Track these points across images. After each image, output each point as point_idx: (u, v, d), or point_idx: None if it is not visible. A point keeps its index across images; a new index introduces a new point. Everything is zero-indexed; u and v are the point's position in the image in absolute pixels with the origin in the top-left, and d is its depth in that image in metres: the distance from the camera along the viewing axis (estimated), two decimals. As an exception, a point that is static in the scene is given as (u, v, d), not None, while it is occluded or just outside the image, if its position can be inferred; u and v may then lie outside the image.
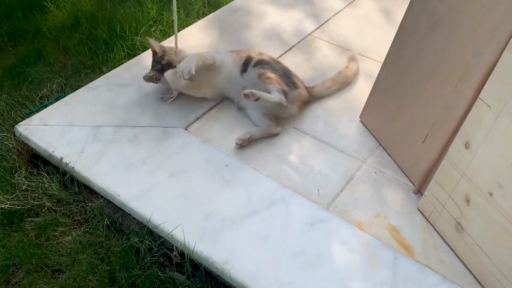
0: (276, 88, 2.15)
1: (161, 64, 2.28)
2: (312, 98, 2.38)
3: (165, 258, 1.83)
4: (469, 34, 1.73)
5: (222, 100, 2.37)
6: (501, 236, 1.59)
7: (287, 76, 2.27)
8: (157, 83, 2.35)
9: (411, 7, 1.99)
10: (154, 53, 2.33)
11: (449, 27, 1.82)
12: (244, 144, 2.13)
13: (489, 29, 1.64)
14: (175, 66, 2.24)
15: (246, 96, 2.09)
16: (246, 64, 2.29)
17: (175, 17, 2.28)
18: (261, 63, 2.26)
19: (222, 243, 1.77)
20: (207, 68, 2.23)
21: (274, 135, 2.21)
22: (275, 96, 2.13)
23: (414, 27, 1.98)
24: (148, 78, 2.34)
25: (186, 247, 1.75)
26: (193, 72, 2.10)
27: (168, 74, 2.22)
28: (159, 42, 2.77)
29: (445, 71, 1.84)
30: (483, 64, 1.65)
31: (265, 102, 2.14)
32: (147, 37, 2.28)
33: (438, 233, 1.84)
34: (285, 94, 2.17)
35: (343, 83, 2.47)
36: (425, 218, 1.90)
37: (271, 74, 2.21)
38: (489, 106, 1.59)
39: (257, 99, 2.09)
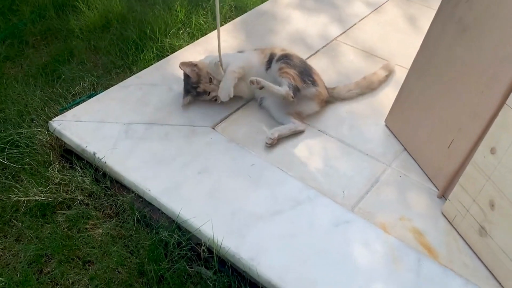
0: (288, 82, 2.23)
1: (197, 91, 2.33)
2: (332, 98, 2.42)
3: (193, 253, 1.88)
4: (497, 42, 1.76)
5: (248, 101, 2.42)
6: (525, 240, 1.61)
7: (307, 73, 2.33)
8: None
9: (438, 15, 2.02)
10: (187, 77, 2.34)
11: (476, 35, 1.85)
12: (274, 143, 2.19)
13: (517, 37, 1.67)
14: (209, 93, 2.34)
15: (251, 82, 2.19)
16: (270, 61, 2.37)
17: (218, 30, 2.30)
18: (283, 58, 2.34)
19: (249, 240, 1.82)
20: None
21: (300, 133, 2.26)
22: (282, 89, 2.20)
23: (441, 34, 2.01)
24: (187, 103, 2.38)
25: (214, 243, 1.80)
26: (232, 95, 2.25)
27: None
28: (187, 44, 2.85)
29: (472, 78, 1.86)
30: (510, 71, 1.68)
31: (277, 98, 2.24)
32: (180, 64, 2.30)
33: (462, 236, 1.87)
34: (296, 90, 2.23)
35: (367, 88, 2.49)
36: (449, 222, 1.92)
37: (289, 70, 2.28)
38: (516, 112, 1.62)
39: (261, 87, 2.19)
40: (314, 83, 2.31)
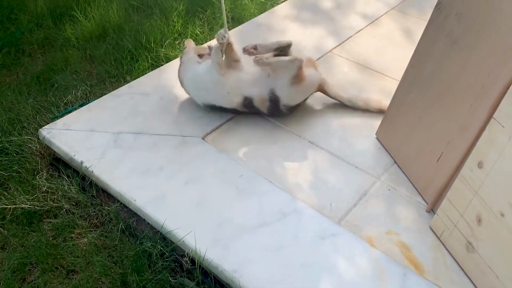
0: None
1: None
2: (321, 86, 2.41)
3: (176, 264, 1.86)
4: (485, 55, 1.75)
5: (239, 112, 2.41)
6: (511, 256, 1.58)
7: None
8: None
9: (428, 28, 2.02)
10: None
11: (465, 48, 1.84)
12: (260, 60, 2.22)
13: (505, 51, 1.66)
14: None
15: (256, 62, 2.22)
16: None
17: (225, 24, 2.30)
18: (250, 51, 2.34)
19: (233, 252, 1.80)
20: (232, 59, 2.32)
21: (298, 63, 2.23)
22: (286, 57, 2.23)
23: (431, 47, 2.00)
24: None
25: (197, 254, 1.78)
26: (227, 35, 2.22)
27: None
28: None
29: (461, 91, 1.85)
30: (498, 85, 1.66)
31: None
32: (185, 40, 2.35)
33: (449, 252, 1.84)
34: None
35: (360, 105, 2.45)
36: (437, 236, 1.90)
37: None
38: (503, 126, 1.60)
39: (268, 63, 2.21)
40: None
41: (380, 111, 2.37)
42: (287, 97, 2.26)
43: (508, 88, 1.59)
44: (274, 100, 2.26)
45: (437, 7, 1.98)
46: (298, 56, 2.23)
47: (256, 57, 2.22)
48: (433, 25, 1.99)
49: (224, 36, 2.20)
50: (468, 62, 1.82)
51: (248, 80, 2.27)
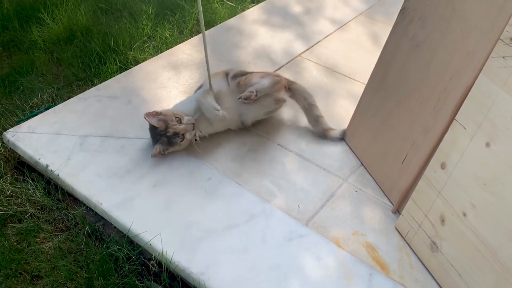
0: (260, 76, 2.24)
1: (167, 136, 2.09)
2: (293, 88, 2.40)
3: (143, 267, 1.85)
4: (447, 59, 1.79)
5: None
6: (473, 256, 1.61)
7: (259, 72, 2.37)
8: (166, 153, 2.16)
9: (393, 32, 2.06)
10: (154, 128, 2.11)
11: (429, 51, 1.88)
12: (252, 96, 2.16)
13: (466, 54, 1.70)
14: (182, 135, 2.11)
15: (243, 98, 2.15)
16: (227, 76, 2.35)
17: (206, 58, 2.18)
18: (238, 74, 2.34)
19: (200, 254, 1.79)
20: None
21: (282, 103, 2.30)
22: (264, 81, 2.21)
23: (396, 51, 2.04)
24: (157, 155, 2.13)
25: (164, 257, 1.77)
26: (219, 108, 2.13)
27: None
28: (151, 56, 2.84)
29: (425, 93, 1.89)
30: (459, 87, 1.70)
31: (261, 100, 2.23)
32: (144, 115, 2.08)
33: (414, 252, 1.87)
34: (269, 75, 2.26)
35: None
36: (402, 237, 1.93)
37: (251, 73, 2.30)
38: (464, 128, 1.64)
39: (256, 96, 2.17)
40: (268, 74, 2.35)
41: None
42: (254, 118, 2.34)
43: (469, 90, 1.63)
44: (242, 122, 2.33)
45: (402, 12, 2.02)
46: (284, 98, 2.25)
47: (248, 98, 2.17)
48: (398, 29, 2.03)
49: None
50: (431, 65, 1.87)
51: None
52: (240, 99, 2.16)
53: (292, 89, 2.38)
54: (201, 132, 2.20)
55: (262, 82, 2.21)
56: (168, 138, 2.09)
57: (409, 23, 1.97)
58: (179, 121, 2.11)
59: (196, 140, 2.18)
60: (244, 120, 2.31)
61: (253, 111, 2.27)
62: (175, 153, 2.18)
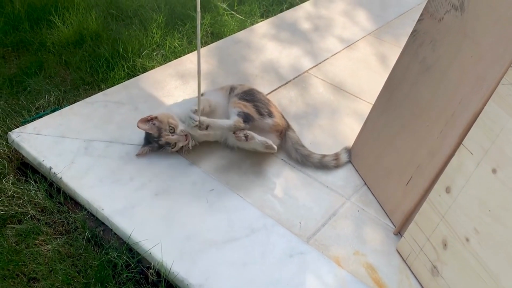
0: (237, 111, 2.16)
1: (159, 144, 2.16)
2: (290, 130, 2.36)
3: (142, 276, 1.83)
4: (457, 83, 1.79)
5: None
6: (474, 282, 1.60)
7: (264, 106, 2.27)
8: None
9: (403, 54, 2.07)
10: (149, 134, 2.17)
11: (438, 75, 1.89)
12: (239, 135, 2.09)
13: (476, 79, 1.71)
14: (174, 144, 2.16)
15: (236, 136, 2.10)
16: (230, 94, 2.34)
17: (198, 75, 2.01)
18: (242, 94, 2.29)
19: (200, 266, 1.78)
20: (212, 112, 2.22)
21: (271, 150, 2.20)
22: (229, 121, 2.14)
23: (405, 73, 2.05)
24: (141, 155, 2.20)
25: (163, 266, 1.76)
26: (197, 118, 2.07)
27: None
28: (159, 65, 2.86)
29: (432, 117, 1.89)
30: (468, 112, 1.71)
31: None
32: (138, 123, 2.12)
33: (414, 275, 1.86)
34: (249, 118, 2.16)
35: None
36: (403, 259, 1.92)
37: (242, 101, 2.23)
38: (471, 153, 1.63)
39: (207, 127, 2.09)
40: (270, 114, 2.26)
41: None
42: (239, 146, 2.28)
43: (478, 115, 1.64)
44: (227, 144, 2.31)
45: (413, 34, 2.03)
46: (274, 148, 2.18)
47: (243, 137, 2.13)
48: (408, 51, 2.04)
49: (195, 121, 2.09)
50: (440, 89, 1.87)
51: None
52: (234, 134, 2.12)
53: (286, 136, 2.33)
54: (195, 142, 2.22)
55: (259, 139, 2.14)
56: (159, 146, 2.16)
57: (420, 45, 1.98)
58: (173, 130, 2.14)
59: (189, 148, 2.19)
60: (229, 144, 2.28)
61: (240, 143, 2.19)
62: (178, 161, 2.18)
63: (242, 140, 2.10)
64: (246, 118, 2.15)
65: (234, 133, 2.11)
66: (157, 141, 2.15)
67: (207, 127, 2.08)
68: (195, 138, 2.22)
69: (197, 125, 2.06)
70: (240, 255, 1.84)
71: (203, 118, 2.08)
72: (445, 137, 1.81)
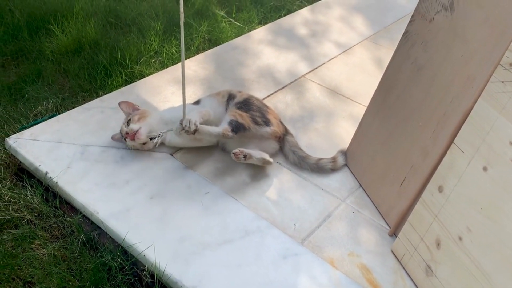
0: (229, 120, 2.17)
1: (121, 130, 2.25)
2: (288, 135, 2.37)
3: (136, 278, 1.84)
4: (448, 82, 1.80)
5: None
6: (468, 280, 1.60)
7: (261, 114, 2.28)
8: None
9: (396, 55, 2.08)
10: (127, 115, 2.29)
11: (430, 75, 1.89)
12: (239, 156, 2.10)
13: (466, 78, 1.71)
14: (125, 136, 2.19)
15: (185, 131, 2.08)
16: (228, 101, 2.35)
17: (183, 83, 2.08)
18: (241, 103, 2.29)
19: (194, 268, 1.78)
20: (205, 121, 2.21)
21: (267, 164, 2.21)
22: (218, 128, 2.15)
23: (397, 74, 2.06)
24: (116, 138, 2.29)
25: (156, 268, 1.76)
26: (198, 124, 2.07)
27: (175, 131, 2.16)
28: (156, 71, 2.88)
29: (425, 117, 1.90)
30: (459, 111, 1.71)
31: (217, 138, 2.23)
32: (119, 103, 2.27)
33: (409, 275, 1.85)
34: (240, 127, 2.16)
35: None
36: (398, 260, 1.91)
37: (238, 111, 2.23)
38: (462, 151, 1.64)
39: (195, 131, 2.08)
40: (267, 123, 2.26)
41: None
42: None
43: (468, 114, 1.64)
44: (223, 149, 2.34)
45: (404, 35, 2.04)
46: (271, 160, 2.20)
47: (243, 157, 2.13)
48: (400, 52, 2.06)
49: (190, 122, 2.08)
50: (431, 89, 1.88)
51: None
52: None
53: (284, 140, 2.34)
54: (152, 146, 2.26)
55: (257, 157, 2.16)
56: (121, 132, 2.24)
57: (412, 46, 1.99)
58: (129, 122, 2.22)
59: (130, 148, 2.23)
60: (227, 149, 2.29)
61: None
62: (174, 165, 2.20)
63: (241, 161, 2.12)
64: (236, 127, 2.15)
65: (233, 153, 2.11)
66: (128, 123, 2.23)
67: (194, 132, 2.07)
68: (185, 143, 2.25)
69: (183, 129, 2.06)
70: (234, 257, 1.85)
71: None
72: (437, 137, 1.82)
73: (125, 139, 2.20)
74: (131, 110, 2.28)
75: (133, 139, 2.18)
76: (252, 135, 2.22)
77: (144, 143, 2.23)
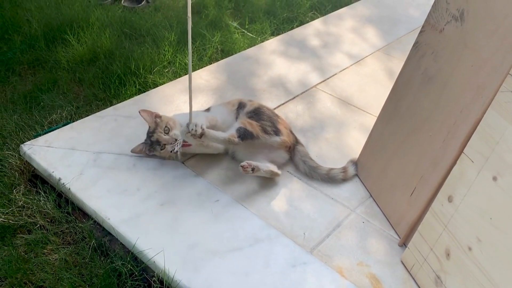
0: (237, 127, 2.18)
1: (150, 140, 2.22)
2: (299, 144, 2.38)
3: (145, 284, 1.85)
4: (458, 92, 1.80)
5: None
6: (477, 291, 1.59)
7: (272, 124, 2.29)
8: (148, 155, 2.28)
9: (406, 65, 2.09)
10: (149, 126, 2.25)
11: (440, 85, 1.90)
12: (247, 169, 2.10)
13: (476, 88, 1.72)
14: (163, 145, 2.19)
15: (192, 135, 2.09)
16: (238, 109, 2.36)
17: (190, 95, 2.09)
18: (252, 113, 2.31)
19: (202, 275, 1.79)
20: (212, 127, 2.23)
21: (275, 176, 2.23)
22: (225, 134, 2.16)
23: (408, 84, 2.06)
24: (136, 152, 2.27)
25: (165, 275, 1.77)
26: (205, 127, 2.09)
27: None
28: (169, 81, 2.91)
29: (435, 126, 1.90)
30: (469, 121, 1.71)
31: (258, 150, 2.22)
32: (140, 111, 2.24)
33: (418, 286, 1.84)
34: (248, 135, 2.17)
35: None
36: (407, 270, 1.90)
37: (249, 119, 2.25)
38: (472, 161, 1.63)
39: (201, 135, 2.09)
40: (277, 132, 2.27)
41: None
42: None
43: (478, 123, 1.64)
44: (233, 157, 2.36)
45: (415, 46, 2.05)
46: (279, 171, 2.22)
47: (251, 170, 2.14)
48: (410, 62, 2.06)
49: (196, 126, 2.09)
50: (442, 99, 1.88)
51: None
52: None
53: (295, 150, 2.35)
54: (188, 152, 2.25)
55: (265, 169, 2.17)
56: (151, 142, 2.21)
57: (422, 56, 2.00)
58: (168, 131, 2.19)
59: (175, 153, 2.17)
60: (237, 157, 2.31)
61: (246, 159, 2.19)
62: (184, 173, 2.21)
63: (249, 173, 2.13)
64: (244, 135, 2.17)
65: (241, 166, 2.12)
66: (150, 136, 2.21)
67: (201, 136, 2.09)
68: (191, 148, 2.24)
69: (190, 132, 2.07)
70: (243, 264, 1.85)
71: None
72: (447, 147, 1.82)
73: (161, 148, 2.18)
74: (153, 118, 2.26)
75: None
76: (261, 145, 2.24)
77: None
